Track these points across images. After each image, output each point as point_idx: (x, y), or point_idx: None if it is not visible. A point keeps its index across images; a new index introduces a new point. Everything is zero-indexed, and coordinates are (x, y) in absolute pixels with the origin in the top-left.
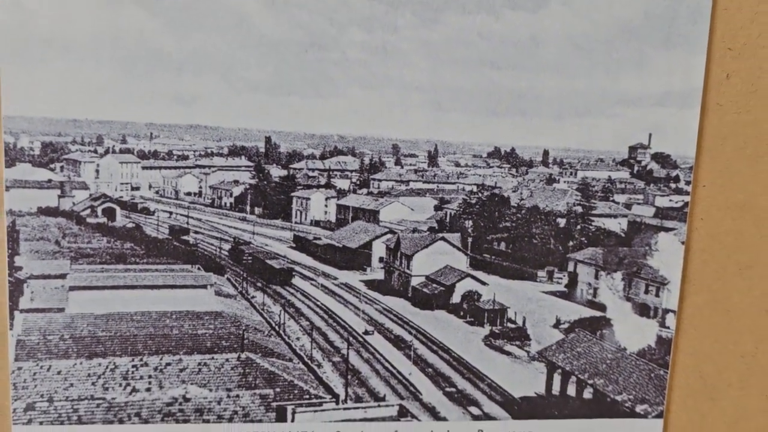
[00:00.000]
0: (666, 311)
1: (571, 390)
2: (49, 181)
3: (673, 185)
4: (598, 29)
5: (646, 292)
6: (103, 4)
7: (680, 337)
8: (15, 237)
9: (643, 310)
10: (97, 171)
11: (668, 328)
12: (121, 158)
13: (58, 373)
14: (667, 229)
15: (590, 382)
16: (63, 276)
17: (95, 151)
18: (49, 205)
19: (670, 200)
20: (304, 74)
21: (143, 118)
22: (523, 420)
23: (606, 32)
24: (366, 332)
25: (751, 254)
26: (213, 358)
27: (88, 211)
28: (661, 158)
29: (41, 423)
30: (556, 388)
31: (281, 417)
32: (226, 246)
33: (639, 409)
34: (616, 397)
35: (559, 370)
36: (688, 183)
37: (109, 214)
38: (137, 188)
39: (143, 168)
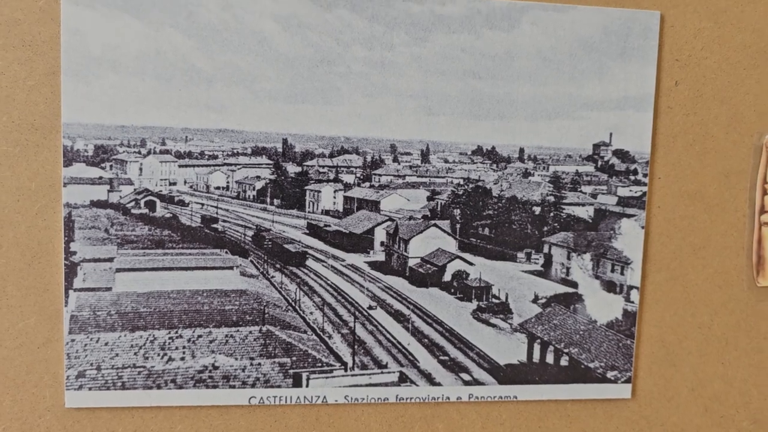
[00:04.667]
0: (630, 288)
1: (550, 358)
2: (100, 178)
3: (632, 177)
4: (564, 44)
5: (612, 270)
6: (145, 27)
7: (644, 311)
8: (71, 226)
9: (610, 286)
10: (141, 169)
11: (633, 302)
12: (160, 158)
13: (106, 344)
14: (629, 216)
15: (566, 350)
16: (111, 259)
17: (139, 152)
18: (100, 198)
19: (630, 190)
20: (314, 85)
21: (179, 123)
22: (508, 385)
23: (570, 47)
24: (370, 307)
25: (704, 237)
26: (238, 331)
27: (132, 204)
28: (621, 154)
29: (90, 389)
30: (536, 357)
31: (297, 383)
32: (250, 232)
33: (610, 374)
34: (589, 365)
35: (539, 340)
36: (645, 175)
37: (150, 205)
38: (174, 183)
39: (179, 166)
